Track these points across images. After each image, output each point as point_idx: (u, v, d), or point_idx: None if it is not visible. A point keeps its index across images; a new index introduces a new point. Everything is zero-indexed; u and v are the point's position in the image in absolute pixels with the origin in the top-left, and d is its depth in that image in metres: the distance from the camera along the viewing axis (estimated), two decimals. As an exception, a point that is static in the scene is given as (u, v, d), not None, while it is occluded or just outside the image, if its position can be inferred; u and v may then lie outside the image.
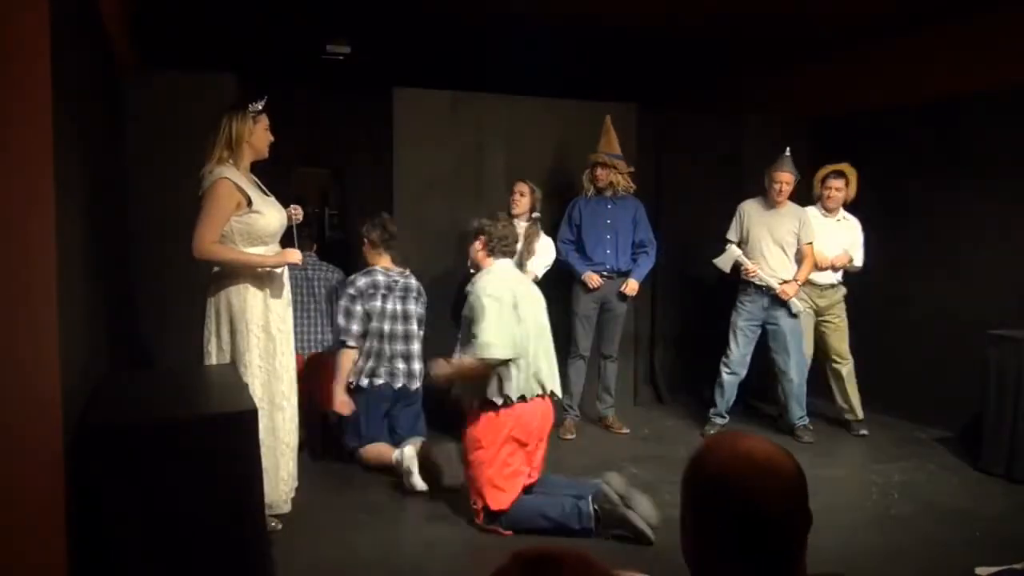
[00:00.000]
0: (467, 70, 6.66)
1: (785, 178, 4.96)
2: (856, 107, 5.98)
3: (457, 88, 5.39)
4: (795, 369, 5.08)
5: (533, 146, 5.52)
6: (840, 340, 5.22)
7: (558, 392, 3.76)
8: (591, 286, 5.06)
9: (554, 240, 5.13)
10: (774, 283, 5.01)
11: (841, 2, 4.99)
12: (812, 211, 5.18)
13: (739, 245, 5.13)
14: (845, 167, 5.10)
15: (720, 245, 5.23)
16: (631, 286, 5.11)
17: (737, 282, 5.19)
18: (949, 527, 3.77)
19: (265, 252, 3.38)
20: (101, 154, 3.30)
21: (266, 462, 3.08)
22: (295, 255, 3.42)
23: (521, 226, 4.77)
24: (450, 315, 4.83)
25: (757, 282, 5.05)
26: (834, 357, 5.24)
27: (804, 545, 1.19)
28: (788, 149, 5.02)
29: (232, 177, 3.27)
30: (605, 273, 5.09)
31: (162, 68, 4.99)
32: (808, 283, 5.14)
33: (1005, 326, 4.57)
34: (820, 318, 5.22)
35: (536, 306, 3.73)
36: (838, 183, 5.05)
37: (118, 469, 2.16)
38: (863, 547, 3.45)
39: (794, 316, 5.05)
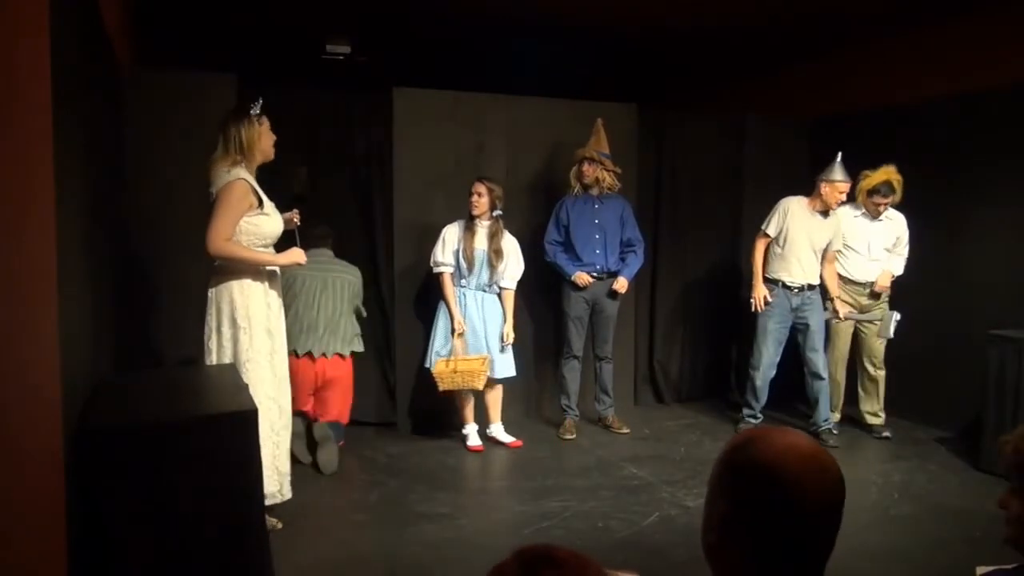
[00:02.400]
0: (467, 70, 6.66)
1: (843, 187, 4.86)
2: (856, 107, 5.98)
3: (457, 88, 5.38)
4: (824, 368, 5.08)
5: (533, 146, 5.52)
6: (878, 343, 5.15)
7: (341, 352, 4.61)
8: (580, 285, 5.06)
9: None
10: (840, 315, 5.07)
11: (840, 2, 4.99)
12: (849, 211, 5.14)
13: (775, 240, 5.06)
14: (892, 177, 4.93)
15: (720, 246, 5.24)
16: (620, 283, 5.10)
17: (764, 281, 5.15)
18: (949, 527, 3.77)
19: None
20: (101, 153, 3.30)
21: (265, 459, 3.12)
22: (302, 254, 3.54)
23: (484, 225, 4.73)
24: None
25: (781, 298, 5.04)
26: (870, 361, 5.20)
27: (831, 551, 1.17)
28: (840, 154, 4.89)
29: (248, 179, 3.36)
30: (595, 274, 5.09)
31: (162, 68, 4.98)
32: (850, 282, 5.13)
33: (1005, 326, 4.57)
34: (862, 316, 5.18)
35: (317, 284, 4.59)
36: (888, 200, 4.94)
37: (118, 469, 2.16)
38: (863, 547, 3.45)
39: (823, 318, 5.09)
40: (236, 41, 6.28)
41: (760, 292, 5.06)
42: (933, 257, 5.24)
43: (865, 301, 5.16)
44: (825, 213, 4.97)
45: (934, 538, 3.66)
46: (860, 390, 5.30)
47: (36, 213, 1.80)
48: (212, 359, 3.40)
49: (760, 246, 5.12)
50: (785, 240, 5.01)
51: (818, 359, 5.05)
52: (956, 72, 5.26)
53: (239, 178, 3.32)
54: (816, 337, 5.05)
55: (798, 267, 5.00)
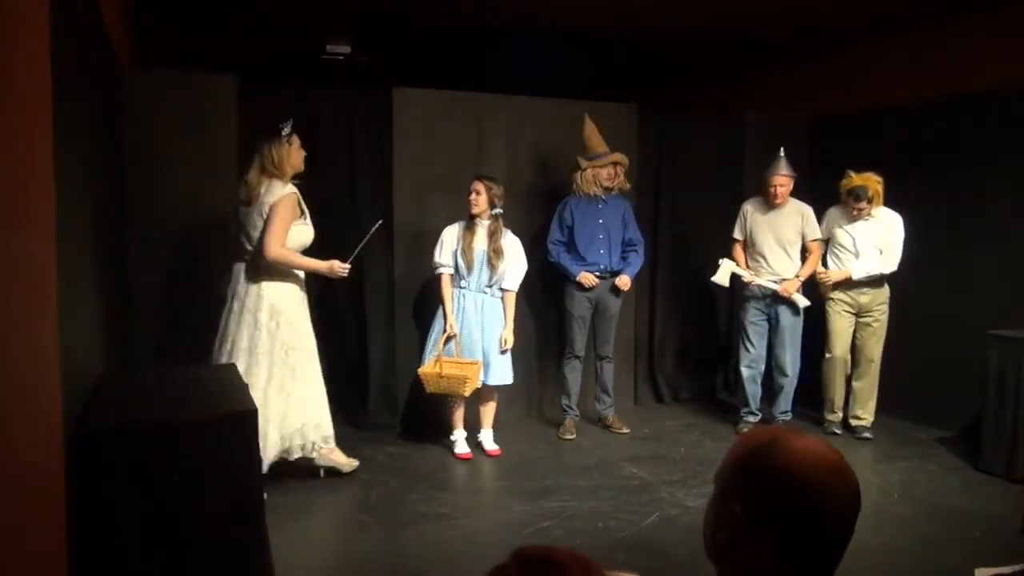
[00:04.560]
0: (467, 70, 6.67)
1: (780, 181, 5.01)
2: (856, 107, 5.98)
3: (457, 88, 5.38)
4: (791, 365, 5.16)
5: (533, 146, 5.52)
6: (873, 344, 5.13)
7: None
8: (587, 285, 5.06)
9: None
10: (774, 285, 5.07)
11: (841, 2, 4.99)
12: (835, 211, 5.15)
13: (744, 244, 5.22)
14: (871, 183, 4.91)
15: (721, 246, 5.27)
16: (623, 280, 5.14)
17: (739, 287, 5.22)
18: (949, 527, 3.77)
19: None
20: (101, 153, 3.30)
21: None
22: (339, 266, 4.01)
23: (484, 224, 4.68)
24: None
25: (758, 290, 5.14)
26: (863, 361, 5.18)
27: (841, 558, 1.16)
28: (782, 150, 5.04)
29: (296, 192, 3.85)
30: (598, 273, 5.10)
31: (162, 67, 4.98)
32: (847, 281, 5.10)
33: (1005, 326, 4.57)
34: (860, 318, 5.16)
35: None
36: (860, 205, 4.93)
37: (118, 469, 2.16)
38: (862, 547, 3.44)
39: (797, 314, 5.11)
40: (236, 41, 6.28)
41: (750, 275, 5.15)
42: (933, 257, 5.23)
43: (863, 300, 5.14)
44: (779, 206, 5.08)
45: (934, 538, 3.66)
46: (851, 390, 5.30)
47: (36, 213, 1.80)
48: (258, 351, 3.81)
49: (738, 251, 5.28)
50: (752, 240, 5.18)
51: (785, 355, 5.14)
52: (955, 72, 5.26)
53: (291, 192, 3.82)
54: (786, 333, 5.12)
55: (766, 265, 5.12)
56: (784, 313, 5.12)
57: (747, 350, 5.26)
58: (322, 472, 4.23)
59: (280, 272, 3.87)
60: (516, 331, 4.84)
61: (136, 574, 2.17)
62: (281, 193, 3.79)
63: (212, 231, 4.48)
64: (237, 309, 3.85)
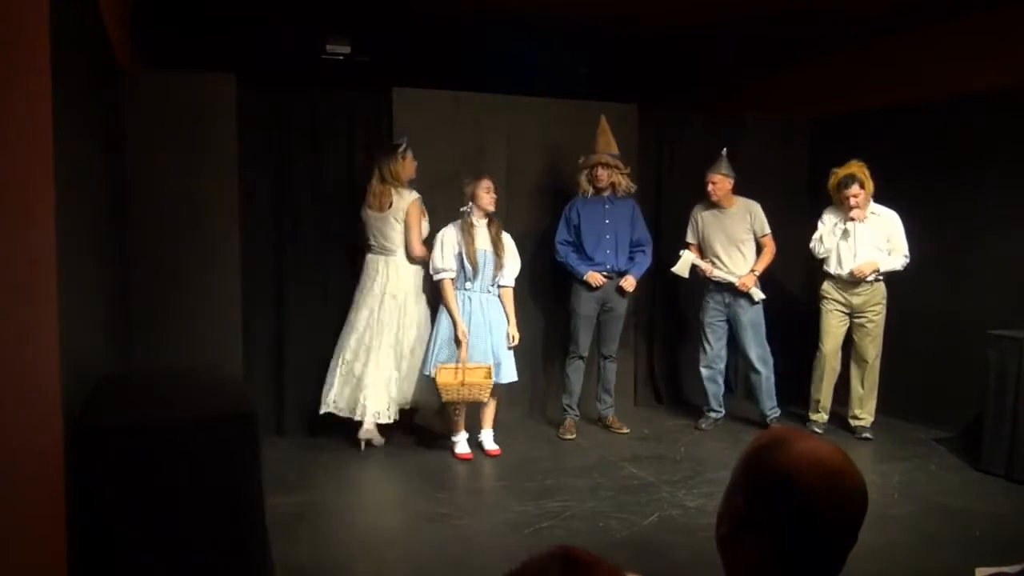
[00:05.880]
0: (467, 70, 6.66)
1: (713, 179, 5.13)
2: (856, 107, 5.98)
3: (457, 88, 5.38)
4: (759, 361, 5.21)
5: (533, 146, 5.51)
6: (868, 345, 5.11)
7: None
8: (595, 285, 5.06)
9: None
10: (732, 278, 5.16)
11: (841, 2, 4.99)
12: (831, 218, 5.12)
13: (699, 248, 5.33)
14: (856, 169, 4.92)
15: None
16: (628, 281, 5.15)
17: (700, 281, 5.34)
18: (949, 527, 3.78)
19: None
20: (101, 153, 3.30)
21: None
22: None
23: (482, 223, 4.70)
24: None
25: (713, 286, 5.24)
26: (859, 361, 5.17)
27: (843, 565, 1.15)
28: (725, 150, 5.16)
29: (419, 196, 4.67)
30: (605, 273, 5.10)
31: (162, 68, 4.98)
32: (839, 279, 5.10)
33: (1005, 326, 4.57)
34: (854, 318, 5.14)
35: None
36: (853, 190, 4.90)
37: (117, 470, 2.16)
38: (862, 546, 3.41)
39: (755, 303, 5.19)
40: (236, 41, 6.28)
41: (708, 267, 5.24)
42: (933, 257, 5.23)
43: (857, 301, 5.12)
44: (725, 206, 5.19)
45: (934, 538, 3.66)
46: (850, 391, 5.29)
47: (36, 213, 1.80)
48: (402, 323, 4.72)
49: (696, 253, 5.36)
50: (706, 243, 5.29)
51: (751, 352, 5.20)
52: (956, 72, 5.26)
53: (417, 197, 4.64)
54: (748, 331, 5.20)
55: (721, 265, 5.22)
56: (742, 310, 5.19)
57: (704, 351, 5.37)
58: (363, 445, 4.71)
59: (414, 261, 4.70)
60: (517, 331, 4.85)
61: (136, 574, 2.17)
62: (411, 199, 4.60)
63: (212, 230, 4.48)
64: (377, 291, 4.68)
